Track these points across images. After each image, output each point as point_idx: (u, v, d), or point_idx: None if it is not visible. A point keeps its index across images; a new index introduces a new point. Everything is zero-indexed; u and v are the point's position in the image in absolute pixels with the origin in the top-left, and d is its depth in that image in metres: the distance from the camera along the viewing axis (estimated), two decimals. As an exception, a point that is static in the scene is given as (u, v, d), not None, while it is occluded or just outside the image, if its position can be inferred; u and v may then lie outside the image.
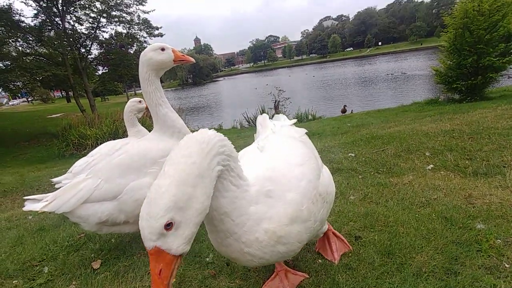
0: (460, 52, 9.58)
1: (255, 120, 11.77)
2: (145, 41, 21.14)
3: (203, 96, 51.27)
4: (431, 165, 3.26)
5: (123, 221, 2.15)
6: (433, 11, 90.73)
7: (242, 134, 10.93)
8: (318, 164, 1.61)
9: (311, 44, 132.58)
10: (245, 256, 1.28)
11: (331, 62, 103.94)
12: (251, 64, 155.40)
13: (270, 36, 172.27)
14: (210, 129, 1.23)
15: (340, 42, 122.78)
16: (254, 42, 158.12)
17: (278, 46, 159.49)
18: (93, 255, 2.48)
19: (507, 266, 1.60)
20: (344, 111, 13.51)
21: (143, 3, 19.63)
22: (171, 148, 2.18)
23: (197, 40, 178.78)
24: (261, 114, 9.20)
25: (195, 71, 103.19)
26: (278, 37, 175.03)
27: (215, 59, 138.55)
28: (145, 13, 20.20)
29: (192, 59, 2.33)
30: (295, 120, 2.08)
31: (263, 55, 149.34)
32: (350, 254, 1.91)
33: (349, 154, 4.24)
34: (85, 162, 2.50)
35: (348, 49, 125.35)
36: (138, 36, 20.86)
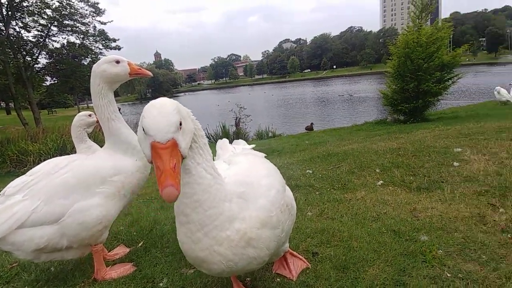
0: (403, 78, 10.58)
1: (216, 137, 11.80)
2: (100, 53, 20.29)
3: (162, 112, 49.85)
4: (381, 181, 3.47)
5: (65, 246, 1.94)
6: (380, 40, 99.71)
7: (202, 151, 10.78)
8: (282, 178, 1.72)
9: (271, 64, 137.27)
10: (214, 256, 1.27)
11: (290, 82, 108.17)
12: (213, 81, 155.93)
13: (232, 54, 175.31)
14: None
15: (299, 64, 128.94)
16: (216, 60, 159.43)
17: (240, 65, 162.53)
18: (26, 287, 2.21)
19: (448, 275, 1.74)
20: (310, 128, 14.08)
21: (100, 14, 18.95)
22: (125, 166, 2.08)
23: (157, 55, 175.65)
24: (222, 130, 9.31)
25: (155, 85, 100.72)
26: (240, 56, 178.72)
27: (176, 74, 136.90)
28: (102, 24, 19.50)
29: (149, 73, 2.27)
30: (253, 145, 2.21)
31: (224, 73, 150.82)
32: (307, 271, 1.93)
33: (307, 171, 4.36)
34: (22, 182, 2.20)
35: (306, 71, 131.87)
36: (93, 48, 19.96)
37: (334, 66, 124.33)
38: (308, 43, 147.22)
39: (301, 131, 15.84)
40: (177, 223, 1.33)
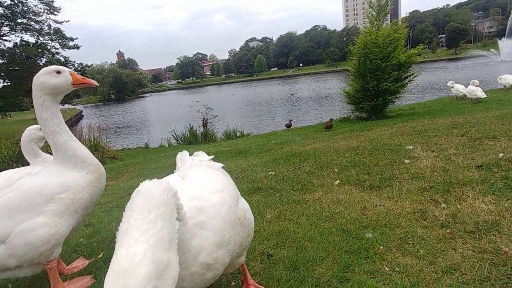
0: (364, 77, 11.07)
1: (184, 139, 11.59)
2: (57, 53, 19.22)
3: (128, 113, 48.20)
4: (338, 181, 3.65)
5: (14, 265, 1.89)
6: (344, 39, 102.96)
7: (169, 153, 10.62)
8: (236, 191, 1.72)
9: (238, 63, 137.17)
10: None
11: (258, 80, 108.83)
12: (179, 80, 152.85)
13: (198, 53, 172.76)
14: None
15: (266, 62, 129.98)
16: (182, 59, 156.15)
17: (207, 64, 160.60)
18: (-20, 307, 2.12)
19: (387, 269, 1.89)
20: (289, 125, 14.37)
21: (55, 13, 17.92)
22: (74, 181, 2.04)
23: (120, 54, 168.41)
24: (189, 131, 9.24)
25: (119, 86, 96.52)
26: (206, 55, 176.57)
27: (141, 75, 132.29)
28: (57, 23, 18.45)
29: (95, 82, 2.24)
30: (212, 156, 2.23)
31: (191, 72, 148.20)
32: (261, 273, 2.03)
33: (270, 172, 4.48)
34: (-29, 199, 2.14)
35: (273, 69, 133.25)
36: (49, 47, 18.84)
37: (301, 64, 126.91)
38: (275, 41, 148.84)
39: (269, 130, 16.06)
40: None
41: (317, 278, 1.88)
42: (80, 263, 2.62)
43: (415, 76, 11.47)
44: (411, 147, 4.55)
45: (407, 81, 11.29)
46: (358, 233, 2.34)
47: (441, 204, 2.65)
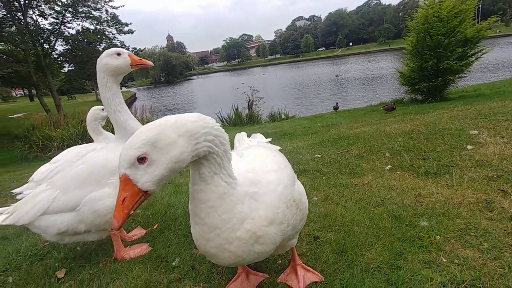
0: (422, 55, 10.14)
1: (229, 120, 11.87)
2: (114, 38, 20.54)
3: (176, 95, 50.39)
4: (389, 166, 3.47)
5: (84, 230, 2.15)
6: (400, 14, 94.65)
7: (216, 134, 10.93)
8: (293, 173, 1.72)
9: (284, 43, 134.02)
10: (224, 253, 1.35)
11: (304, 61, 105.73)
12: (225, 62, 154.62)
13: (244, 34, 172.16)
14: None
15: (313, 42, 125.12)
16: (228, 41, 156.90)
17: (252, 45, 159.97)
18: (57, 264, 2.44)
19: (444, 260, 1.78)
20: (336, 108, 13.92)
21: (111, -1, 19.02)
22: None
23: (169, 38, 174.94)
24: (234, 113, 9.40)
25: (168, 69, 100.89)
26: (252, 36, 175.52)
27: (189, 57, 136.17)
28: (113, 8, 19.60)
29: (150, 63, 2.35)
30: (270, 139, 2.27)
31: (237, 54, 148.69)
32: (308, 254, 2.03)
33: (316, 155, 4.40)
34: (47, 169, 2.44)
35: (320, 49, 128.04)
36: (106, 33, 20.21)
37: (350, 43, 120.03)
38: (323, 20, 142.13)
39: (314, 113, 15.67)
40: (191, 220, 1.38)
41: (366, 263, 1.83)
42: (138, 231, 2.87)
43: (484, 53, 10.20)
44: (476, 132, 4.14)
45: (473, 58, 10.10)
46: (412, 220, 2.22)
47: (510, 195, 2.40)
